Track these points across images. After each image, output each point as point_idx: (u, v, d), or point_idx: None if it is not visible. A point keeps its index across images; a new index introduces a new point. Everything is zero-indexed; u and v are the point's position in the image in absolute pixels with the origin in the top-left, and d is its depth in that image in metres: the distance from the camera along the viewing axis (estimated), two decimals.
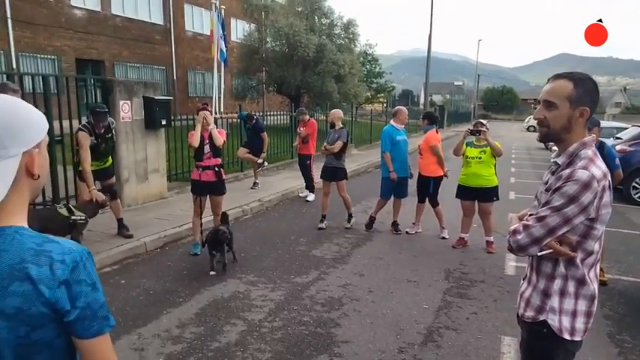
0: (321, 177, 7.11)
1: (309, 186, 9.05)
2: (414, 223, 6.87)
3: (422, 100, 41.87)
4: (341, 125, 7.02)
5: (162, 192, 8.16)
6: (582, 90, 1.72)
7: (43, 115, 1.08)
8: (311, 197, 8.92)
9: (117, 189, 6.18)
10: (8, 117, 0.99)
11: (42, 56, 17.74)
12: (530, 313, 1.86)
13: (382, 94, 38.20)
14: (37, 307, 0.97)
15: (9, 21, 16.42)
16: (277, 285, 4.80)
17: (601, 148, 4.77)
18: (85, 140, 5.31)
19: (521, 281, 1.99)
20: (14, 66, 16.41)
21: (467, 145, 6.09)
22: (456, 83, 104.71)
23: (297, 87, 20.93)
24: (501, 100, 77.61)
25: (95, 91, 8.10)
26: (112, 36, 20.52)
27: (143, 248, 5.74)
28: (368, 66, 34.76)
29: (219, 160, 5.62)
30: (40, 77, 6.34)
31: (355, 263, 5.53)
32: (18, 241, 0.99)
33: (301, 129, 9.06)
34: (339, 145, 6.80)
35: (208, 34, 18.11)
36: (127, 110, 7.27)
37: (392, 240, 6.52)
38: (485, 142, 5.87)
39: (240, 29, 26.09)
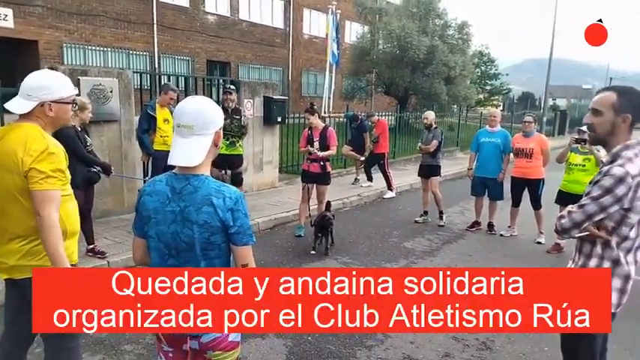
0: (419, 175, 7.61)
1: (388, 184, 9.39)
2: (509, 226, 6.95)
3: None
4: (434, 126, 7.47)
5: (273, 181, 9.15)
6: (625, 100, 2.01)
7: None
8: (389, 195, 9.30)
9: (243, 177, 7.18)
10: (211, 111, 1.70)
11: (179, 57, 20.20)
12: None
13: (497, 97, 36.68)
14: (215, 222, 1.67)
15: (154, 26, 19.00)
16: (368, 267, 5.34)
17: None
18: None
19: (569, 261, 2.31)
20: (156, 66, 18.97)
21: (571, 151, 6.06)
22: (584, 87, 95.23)
23: (405, 88, 21.14)
24: None
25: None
26: (238, 39, 22.55)
27: (256, 227, 6.64)
28: (483, 67, 33.64)
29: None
30: (183, 78, 7.59)
31: (444, 257, 5.87)
32: (206, 184, 1.70)
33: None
34: (434, 144, 7.24)
35: (323, 36, 19.22)
36: (250, 108, 8.30)
37: (484, 240, 6.70)
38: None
39: (353, 32, 26.92)
